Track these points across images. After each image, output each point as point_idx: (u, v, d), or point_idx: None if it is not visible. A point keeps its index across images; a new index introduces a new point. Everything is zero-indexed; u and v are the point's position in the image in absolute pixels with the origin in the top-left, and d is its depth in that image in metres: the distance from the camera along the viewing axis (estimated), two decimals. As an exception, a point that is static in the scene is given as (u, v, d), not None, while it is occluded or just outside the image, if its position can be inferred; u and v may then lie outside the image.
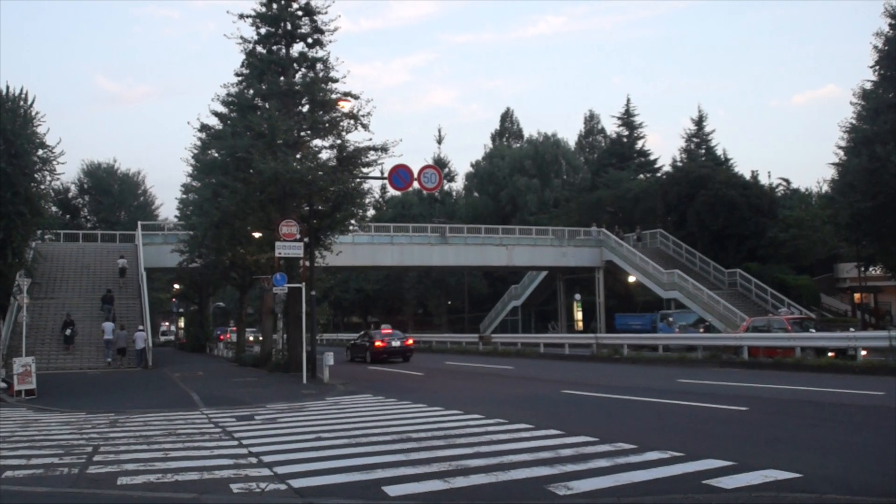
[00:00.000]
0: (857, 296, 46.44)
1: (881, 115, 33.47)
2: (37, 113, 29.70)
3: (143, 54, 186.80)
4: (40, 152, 29.84)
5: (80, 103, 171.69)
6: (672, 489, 7.89)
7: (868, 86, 35.24)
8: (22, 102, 29.15)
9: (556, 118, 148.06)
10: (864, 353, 23.17)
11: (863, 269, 41.01)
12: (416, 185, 24.29)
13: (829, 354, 24.00)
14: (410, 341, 36.64)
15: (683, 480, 8.23)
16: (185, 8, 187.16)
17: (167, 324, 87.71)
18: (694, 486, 7.96)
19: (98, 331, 33.47)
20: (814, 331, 26.24)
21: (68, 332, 32.44)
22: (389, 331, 36.99)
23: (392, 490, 8.04)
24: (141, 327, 33.90)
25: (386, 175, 25.32)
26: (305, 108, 29.02)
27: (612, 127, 74.53)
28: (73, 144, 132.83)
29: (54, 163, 30.65)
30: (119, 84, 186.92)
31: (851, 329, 28.15)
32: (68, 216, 65.57)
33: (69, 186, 68.10)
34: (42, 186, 31.43)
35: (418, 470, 8.92)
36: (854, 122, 35.54)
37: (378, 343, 34.98)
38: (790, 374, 21.68)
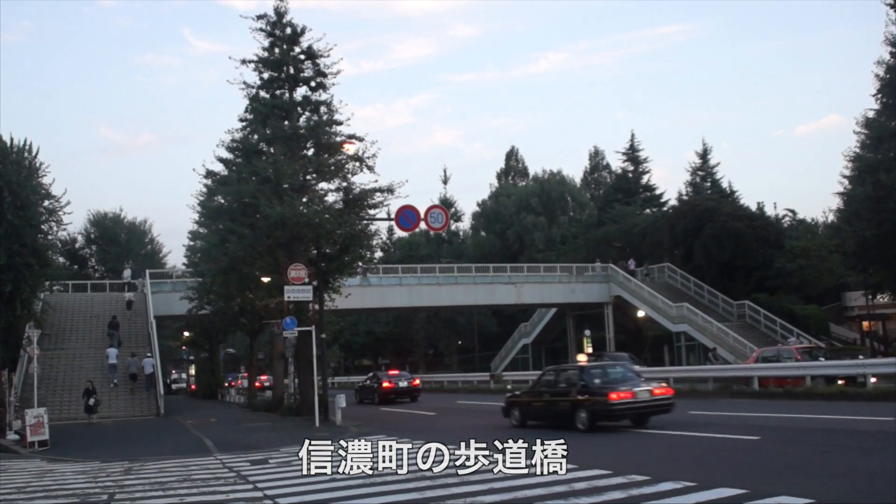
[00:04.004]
0: (865, 324, 46.30)
1: (884, 143, 33.62)
2: (41, 164, 29.99)
3: (144, 103, 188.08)
4: (46, 203, 30.04)
5: (84, 153, 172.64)
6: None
7: (870, 114, 35.36)
8: (27, 154, 29.41)
9: (561, 155, 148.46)
10: (873, 380, 23.10)
11: (870, 297, 40.95)
12: (423, 225, 24.23)
13: (840, 382, 23.95)
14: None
15: (696, 510, 8.28)
16: (186, 55, 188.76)
17: (176, 372, 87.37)
18: (707, 514, 8.02)
19: (104, 371, 33.60)
20: (823, 359, 26.20)
21: (91, 401, 29.09)
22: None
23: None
24: (149, 354, 34.24)
25: (393, 216, 25.52)
26: (310, 152, 29.18)
27: (617, 162, 74.59)
28: (78, 195, 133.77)
29: (60, 213, 30.86)
30: (122, 133, 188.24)
31: (860, 356, 28.07)
32: (76, 266, 65.62)
33: (76, 237, 68.23)
34: (49, 237, 31.64)
35: (433, 507, 8.97)
36: (858, 150, 35.66)
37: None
38: (801, 403, 21.62)
